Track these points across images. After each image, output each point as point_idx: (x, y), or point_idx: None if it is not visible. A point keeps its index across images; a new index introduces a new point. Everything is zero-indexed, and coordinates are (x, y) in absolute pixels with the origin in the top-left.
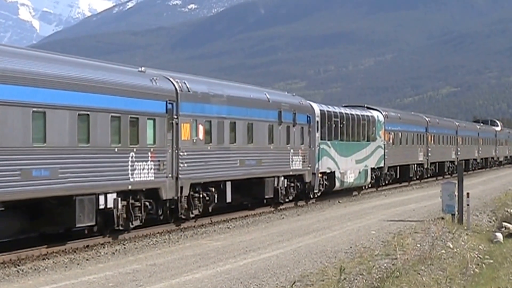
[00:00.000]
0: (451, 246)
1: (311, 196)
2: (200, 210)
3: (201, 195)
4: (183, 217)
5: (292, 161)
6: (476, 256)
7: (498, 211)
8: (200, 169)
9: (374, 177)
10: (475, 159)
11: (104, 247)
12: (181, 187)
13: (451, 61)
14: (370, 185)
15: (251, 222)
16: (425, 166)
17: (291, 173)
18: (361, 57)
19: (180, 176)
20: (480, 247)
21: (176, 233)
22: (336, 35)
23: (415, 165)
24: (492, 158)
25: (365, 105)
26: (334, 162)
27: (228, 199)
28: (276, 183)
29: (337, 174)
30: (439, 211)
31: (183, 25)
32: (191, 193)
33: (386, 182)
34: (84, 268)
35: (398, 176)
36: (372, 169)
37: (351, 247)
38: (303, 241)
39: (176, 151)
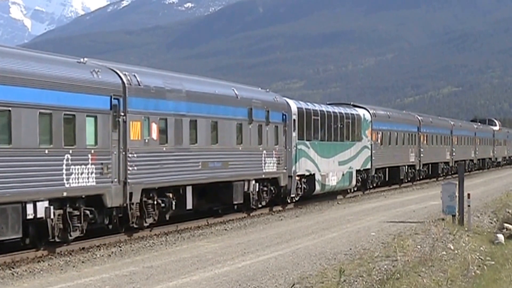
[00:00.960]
0: (452, 247)
1: (288, 201)
2: (156, 218)
3: (155, 202)
4: (135, 226)
5: (264, 163)
6: (477, 257)
7: (499, 212)
8: (153, 173)
9: (360, 179)
10: (471, 160)
11: (100, 249)
12: (131, 193)
13: (453, 61)
14: (356, 188)
15: (249, 224)
16: (417, 168)
17: (263, 176)
18: (361, 57)
19: (129, 180)
20: (481, 248)
21: (173, 235)
22: (336, 34)
23: (406, 167)
24: (490, 158)
25: (351, 103)
26: (313, 163)
27: (189, 206)
28: (246, 187)
29: (317, 177)
30: (439, 212)
31: (179, 24)
32: (144, 199)
33: (374, 185)
34: (80, 271)
35: (387, 179)
36: (357, 171)
37: (350, 249)
38: (302, 243)
39: (124, 153)
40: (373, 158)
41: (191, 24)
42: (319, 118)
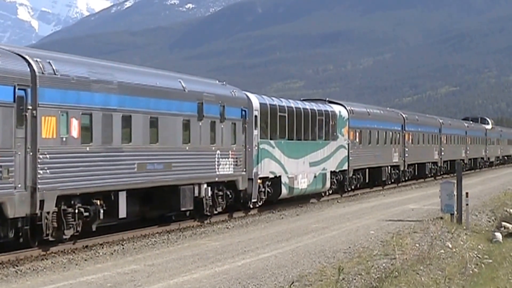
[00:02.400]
0: (450, 246)
1: (251, 206)
2: (78, 229)
3: (76, 211)
4: (51, 239)
5: (219, 165)
6: (475, 256)
7: (497, 211)
8: (73, 177)
9: (336, 182)
10: (462, 160)
11: (102, 248)
12: (42, 201)
13: (450, 61)
14: (331, 192)
15: (250, 222)
16: (402, 168)
17: (217, 179)
18: (359, 57)
19: (39, 186)
20: (479, 247)
21: (175, 233)
22: (335, 34)
23: (389, 168)
24: (482, 158)
25: (327, 99)
26: (279, 165)
27: (122, 214)
28: (197, 191)
29: (284, 179)
30: (438, 211)
31: (181, 25)
32: (64, 207)
33: (352, 187)
34: (82, 269)
35: (367, 180)
36: (332, 172)
37: (349, 247)
38: (302, 241)
39: (32, 153)
40: (350, 158)
41: (192, 25)
42: (286, 115)
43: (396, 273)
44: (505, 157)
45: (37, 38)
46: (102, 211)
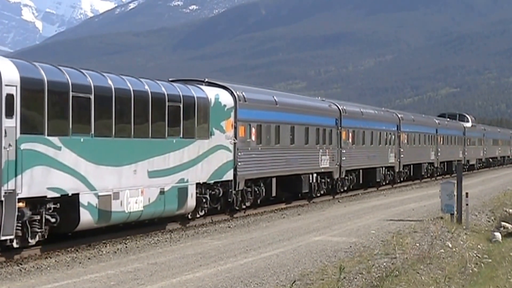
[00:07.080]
0: (450, 245)
1: (14, 246)
2: None
3: None
4: None
5: None
6: (474, 255)
7: (497, 211)
8: None
9: (210, 198)
10: (430, 163)
11: (106, 246)
12: None
13: (451, 62)
14: (204, 212)
15: (252, 222)
16: (336, 176)
17: None
18: (361, 58)
19: None
20: (478, 246)
21: (177, 232)
22: (337, 36)
23: (314, 176)
24: (459, 161)
25: (205, 79)
26: (75, 176)
27: None
28: None
29: (87, 200)
30: (438, 210)
31: (184, 26)
32: None
33: (248, 204)
34: (86, 267)
35: (274, 193)
36: (203, 185)
37: (350, 247)
38: (304, 240)
39: None
40: (239, 163)
41: (195, 26)
42: (92, 97)
43: (397, 272)
44: (490, 160)
45: (41, 38)
46: None
